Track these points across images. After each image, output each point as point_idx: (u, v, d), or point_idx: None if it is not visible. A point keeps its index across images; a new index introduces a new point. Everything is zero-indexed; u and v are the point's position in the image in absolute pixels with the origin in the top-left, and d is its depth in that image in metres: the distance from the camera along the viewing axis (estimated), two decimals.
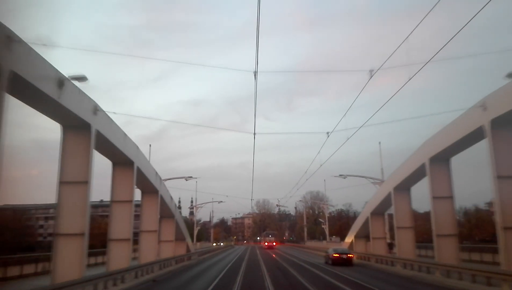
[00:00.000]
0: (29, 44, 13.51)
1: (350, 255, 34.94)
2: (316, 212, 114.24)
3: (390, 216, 40.16)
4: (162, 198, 34.00)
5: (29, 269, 24.68)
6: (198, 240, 76.14)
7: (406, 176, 30.18)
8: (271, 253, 62.64)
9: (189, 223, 76.81)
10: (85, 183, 18.25)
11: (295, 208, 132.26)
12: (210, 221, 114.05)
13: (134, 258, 29.88)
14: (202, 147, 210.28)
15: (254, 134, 20.61)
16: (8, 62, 12.19)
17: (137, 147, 26.76)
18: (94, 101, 18.83)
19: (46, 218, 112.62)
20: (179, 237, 43.18)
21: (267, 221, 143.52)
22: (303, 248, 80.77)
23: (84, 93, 17.73)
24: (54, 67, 15.07)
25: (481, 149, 20.91)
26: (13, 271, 22.86)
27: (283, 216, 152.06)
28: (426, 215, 41.98)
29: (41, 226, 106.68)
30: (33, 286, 18.56)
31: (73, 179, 18.09)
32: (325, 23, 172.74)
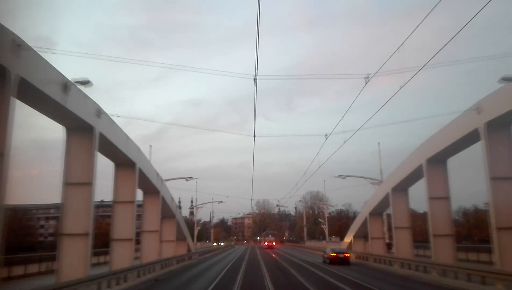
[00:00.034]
0: (36, 50, 13.93)
1: (347, 255, 35.54)
2: (316, 212, 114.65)
3: (389, 216, 40.61)
4: (163, 199, 34.45)
5: (33, 268, 25.10)
6: (198, 240, 76.59)
7: (403, 177, 30.62)
8: (271, 253, 63.03)
9: (189, 223, 77.19)
10: (89, 184, 18.71)
11: (295, 208, 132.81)
12: (210, 221, 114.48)
13: (136, 258, 30.26)
14: (202, 147, 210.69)
15: (254, 136, 21.04)
16: (16, 68, 12.63)
17: (139, 149, 27.21)
18: (97, 104, 19.27)
19: (47, 218, 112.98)
20: (180, 237, 43.63)
21: (267, 221, 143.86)
22: (303, 248, 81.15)
23: (88, 96, 18.18)
24: (59, 72, 15.51)
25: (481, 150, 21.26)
26: (18, 270, 23.25)
27: (283, 216, 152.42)
28: (426, 215, 42.29)
29: (42, 226, 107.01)
30: (38, 285, 18.94)
31: (77, 180, 18.56)
32: (325, 23, 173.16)
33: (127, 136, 24.33)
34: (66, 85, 15.80)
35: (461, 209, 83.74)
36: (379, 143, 45.15)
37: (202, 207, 73.06)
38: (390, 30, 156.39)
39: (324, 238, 73.79)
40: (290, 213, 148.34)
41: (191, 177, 48.28)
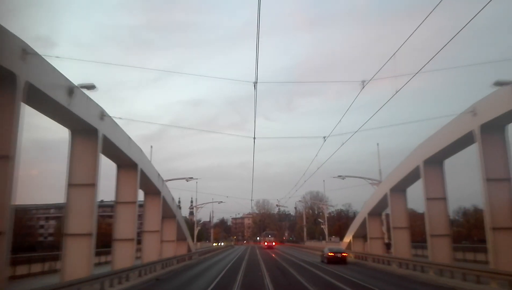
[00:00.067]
0: (43, 56, 14.36)
1: (344, 254, 36.28)
2: (316, 212, 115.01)
3: (389, 216, 40.99)
4: (164, 199, 34.85)
5: (36, 268, 25.44)
6: (198, 240, 76.92)
7: (401, 178, 31.06)
8: (271, 253, 63.45)
9: (189, 223, 77.57)
10: (93, 185, 19.12)
11: (295, 208, 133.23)
12: (210, 221, 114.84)
13: (137, 258, 30.62)
14: (202, 147, 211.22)
15: (254, 138, 21.45)
16: (24, 73, 13.06)
17: (141, 150, 27.62)
18: (101, 107, 19.70)
19: (47, 218, 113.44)
20: (180, 237, 44.03)
21: (267, 221, 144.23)
22: (303, 248, 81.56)
23: (91, 99, 18.61)
24: (65, 76, 15.95)
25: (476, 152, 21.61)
26: (22, 270, 23.62)
27: (283, 216, 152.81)
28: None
29: (42, 226, 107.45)
30: (43, 284, 19.34)
31: (81, 181, 18.97)
32: (325, 23, 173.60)
33: (129, 138, 24.77)
34: (71, 89, 16.23)
35: (461, 209, 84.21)
36: (378, 144, 45.89)
37: (202, 207, 73.47)
38: (390, 30, 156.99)
39: (324, 238, 74.14)
40: (290, 213, 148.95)
41: (192, 178, 48.66)
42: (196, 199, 73.52)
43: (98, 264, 32.63)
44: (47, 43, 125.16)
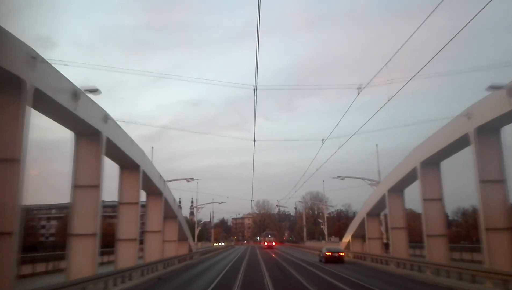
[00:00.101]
0: (48, 60, 14.83)
1: (341, 254, 37.05)
2: (316, 212, 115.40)
3: (387, 216, 41.42)
4: (165, 200, 35.31)
5: (40, 267, 25.92)
6: (199, 240, 77.39)
7: (399, 179, 31.49)
8: (271, 252, 63.89)
9: (190, 224, 78.04)
10: (97, 186, 19.60)
11: (295, 208, 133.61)
12: (210, 222, 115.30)
13: (139, 257, 31.04)
14: (202, 147, 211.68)
15: (254, 140, 21.92)
16: (31, 79, 13.54)
17: (143, 152, 28.10)
18: (104, 110, 20.18)
19: (48, 219, 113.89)
20: (182, 237, 44.49)
21: (267, 222, 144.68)
22: (302, 248, 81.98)
23: (95, 103, 19.09)
24: (70, 81, 16.43)
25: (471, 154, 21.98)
26: (27, 269, 24.07)
27: (283, 217, 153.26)
28: None
29: (43, 226, 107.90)
30: (49, 283, 19.79)
31: (85, 183, 19.44)
32: (325, 23, 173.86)
33: (132, 140, 25.25)
34: (76, 93, 16.70)
35: (460, 210, 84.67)
36: (377, 145, 46.16)
37: (202, 207, 73.96)
38: (390, 30, 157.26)
39: (323, 239, 74.55)
40: (290, 214, 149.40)
41: (192, 178, 49.16)
42: (196, 199, 74.05)
43: (101, 264, 33.07)
44: (47, 43, 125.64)
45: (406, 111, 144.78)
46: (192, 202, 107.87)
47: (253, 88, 14.24)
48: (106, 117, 20.25)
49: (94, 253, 19.19)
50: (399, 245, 32.67)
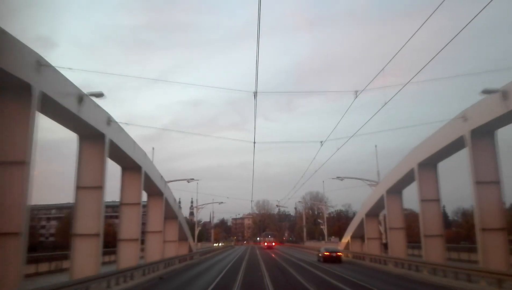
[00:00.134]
0: (55, 67, 15.26)
1: (339, 253, 38.02)
2: (316, 212, 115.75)
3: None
4: (166, 200, 35.73)
5: (43, 267, 26.29)
6: (199, 240, 77.75)
7: (397, 180, 31.90)
8: (270, 253, 64.29)
9: (190, 224, 78.40)
10: (100, 188, 20.01)
11: (295, 208, 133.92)
12: (210, 222, 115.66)
13: (141, 257, 31.39)
14: (202, 147, 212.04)
15: (254, 143, 22.33)
16: (38, 84, 13.98)
17: (145, 153, 28.52)
18: (107, 113, 20.60)
19: (48, 219, 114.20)
20: (182, 238, 44.91)
21: (267, 222, 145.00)
22: (302, 248, 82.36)
23: (99, 106, 19.53)
24: (75, 85, 16.87)
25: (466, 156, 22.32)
26: (30, 269, 24.41)
27: (283, 217, 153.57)
28: None
29: (43, 227, 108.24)
30: (54, 282, 20.18)
31: (89, 184, 19.86)
32: (325, 23, 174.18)
33: (134, 142, 25.67)
34: (81, 97, 17.14)
35: (460, 210, 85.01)
36: (376, 146, 46.32)
37: (202, 207, 74.33)
38: (390, 30, 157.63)
39: (323, 239, 74.91)
40: (290, 214, 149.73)
41: (193, 179, 49.69)
42: (196, 199, 74.44)
43: (102, 263, 33.44)
44: (47, 43, 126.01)
45: (406, 111, 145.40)
46: (192, 202, 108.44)
47: (253, 92, 14.63)
48: (109, 120, 20.69)
49: (97, 253, 19.60)
50: (398, 245, 33.08)
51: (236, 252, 70.07)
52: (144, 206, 33.64)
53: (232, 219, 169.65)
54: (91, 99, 18.43)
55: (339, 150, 23.99)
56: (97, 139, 20.02)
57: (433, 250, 26.50)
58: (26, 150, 13.50)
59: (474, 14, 10.25)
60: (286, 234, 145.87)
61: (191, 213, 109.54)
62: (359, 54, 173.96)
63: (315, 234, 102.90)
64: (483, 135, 20.72)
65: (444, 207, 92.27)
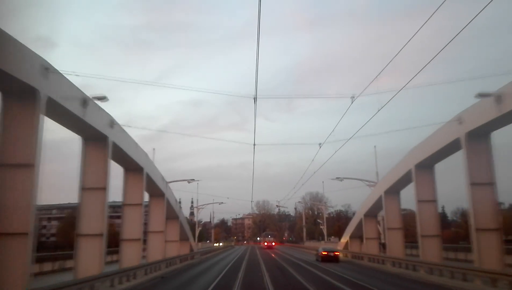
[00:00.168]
0: (61, 72, 15.73)
1: (336, 253, 38.80)
2: (316, 212, 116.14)
3: None
4: (168, 201, 36.18)
5: (47, 266, 26.68)
6: (199, 240, 78.12)
7: (395, 181, 32.36)
8: (270, 252, 64.72)
9: (190, 224, 78.72)
10: (103, 189, 20.49)
11: (295, 208, 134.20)
12: (210, 222, 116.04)
13: (142, 257, 31.78)
14: (202, 147, 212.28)
15: (254, 145, 22.77)
16: (45, 89, 14.45)
17: (147, 155, 28.98)
18: (110, 116, 21.08)
19: (49, 219, 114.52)
20: (183, 238, 45.35)
21: (267, 222, 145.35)
22: (302, 248, 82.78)
23: (103, 109, 19.99)
24: (79, 89, 17.34)
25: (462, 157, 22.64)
26: (34, 268, 24.71)
27: (283, 217, 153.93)
28: None
29: (44, 227, 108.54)
30: (59, 281, 20.61)
31: (92, 185, 20.33)
32: (325, 23, 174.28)
33: (136, 143, 26.14)
34: (85, 101, 17.60)
35: (459, 210, 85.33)
36: (375, 147, 46.57)
37: (203, 208, 74.74)
38: (390, 30, 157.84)
39: (323, 239, 75.29)
40: (290, 214, 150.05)
41: (193, 179, 50.09)
42: (197, 200, 74.84)
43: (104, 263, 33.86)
44: (47, 43, 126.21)
45: (406, 111, 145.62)
46: (192, 202, 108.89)
47: (253, 97, 15.04)
48: (112, 122, 21.16)
49: (101, 253, 20.07)
50: (395, 245, 33.52)
51: (236, 252, 70.44)
52: (145, 206, 34.18)
53: (232, 219, 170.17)
54: (95, 102, 18.88)
55: (339, 150, 24.41)
56: (100, 141, 20.49)
57: (430, 250, 26.94)
58: (33, 153, 13.97)
59: (474, 14, 10.26)
60: (286, 234, 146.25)
61: (191, 213, 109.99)
62: (359, 54, 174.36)
63: (315, 234, 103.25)
64: (478, 138, 21.16)
65: (443, 207, 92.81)
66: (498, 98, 18.53)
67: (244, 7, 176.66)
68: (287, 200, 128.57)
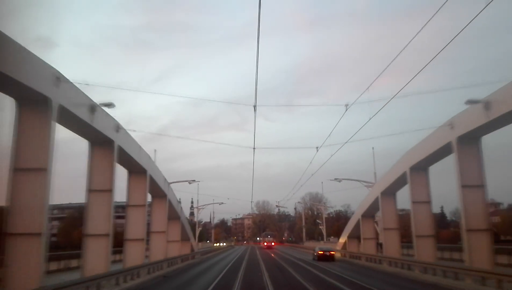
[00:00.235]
0: (71, 80, 16.60)
1: (332, 253, 40.39)
2: (315, 213, 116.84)
3: None
4: (169, 202, 36.99)
5: (53, 266, 27.44)
6: (200, 240, 78.83)
7: (391, 182, 33.18)
8: (270, 252, 65.51)
9: (190, 224, 79.36)
10: (109, 191, 21.35)
11: (295, 209, 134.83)
12: (210, 222, 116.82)
13: (145, 256, 32.54)
14: (202, 147, 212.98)
15: (254, 148, 23.56)
16: (57, 97, 15.32)
17: (149, 157, 29.83)
18: (116, 121, 21.95)
19: (50, 219, 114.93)
20: (184, 238, 46.14)
21: (266, 222, 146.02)
22: (301, 248, 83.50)
23: (109, 115, 20.89)
24: (88, 97, 18.22)
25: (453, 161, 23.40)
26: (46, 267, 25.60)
27: (283, 217, 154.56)
28: None
29: None
30: (67, 280, 21.39)
31: (99, 187, 21.19)
32: (325, 23, 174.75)
33: (140, 146, 27.00)
34: (93, 107, 18.47)
35: (458, 211, 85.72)
36: (373, 148, 47.22)
37: (203, 208, 75.50)
38: (390, 30, 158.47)
39: (322, 239, 75.98)
40: (289, 214, 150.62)
41: (194, 180, 50.83)
42: (197, 200, 75.61)
43: None
44: (47, 43, 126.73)
45: (406, 111, 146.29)
46: (192, 202, 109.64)
47: (253, 105, 15.79)
48: (118, 127, 22.02)
49: (107, 252, 20.92)
50: (392, 245, 34.33)
51: (236, 252, 71.12)
52: (148, 207, 34.94)
53: (232, 219, 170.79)
54: (102, 108, 19.74)
55: (339, 151, 25.00)
56: (106, 145, 21.37)
57: (425, 250, 27.74)
58: (46, 158, 14.83)
59: (474, 15, 10.31)
60: (285, 234, 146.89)
61: (192, 214, 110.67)
62: (359, 54, 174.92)
63: (314, 234, 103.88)
64: (468, 142, 22.02)
65: (442, 207, 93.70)
66: (487, 104, 19.37)
67: (244, 7, 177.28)
68: (287, 201, 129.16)
